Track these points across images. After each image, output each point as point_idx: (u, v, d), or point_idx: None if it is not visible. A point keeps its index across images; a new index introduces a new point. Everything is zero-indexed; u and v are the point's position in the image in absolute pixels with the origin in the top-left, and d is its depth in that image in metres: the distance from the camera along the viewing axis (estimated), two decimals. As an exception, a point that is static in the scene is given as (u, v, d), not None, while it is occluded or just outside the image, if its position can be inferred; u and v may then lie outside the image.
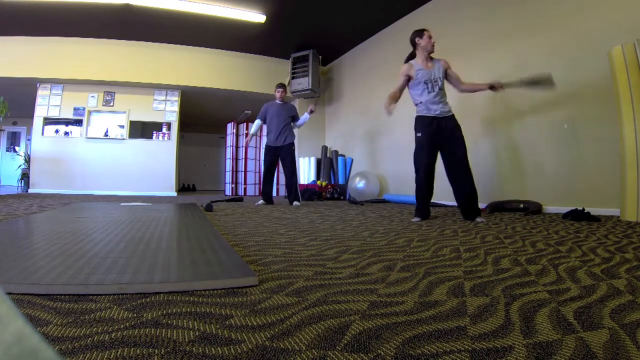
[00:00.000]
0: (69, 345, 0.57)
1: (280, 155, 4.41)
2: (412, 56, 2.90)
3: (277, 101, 4.49)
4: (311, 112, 4.35)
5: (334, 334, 0.64)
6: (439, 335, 0.64)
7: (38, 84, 6.36)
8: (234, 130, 8.17)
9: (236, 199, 5.20)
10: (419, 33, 2.81)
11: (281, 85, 4.52)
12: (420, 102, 2.80)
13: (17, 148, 10.16)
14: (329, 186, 6.19)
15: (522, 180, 3.73)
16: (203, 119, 10.13)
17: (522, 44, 3.76)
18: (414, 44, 2.85)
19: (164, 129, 6.79)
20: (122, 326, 0.65)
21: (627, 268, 1.18)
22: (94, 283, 0.86)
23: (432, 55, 2.83)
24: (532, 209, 3.31)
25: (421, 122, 2.80)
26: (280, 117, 4.38)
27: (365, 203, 4.86)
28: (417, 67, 2.80)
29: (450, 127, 2.75)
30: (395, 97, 2.81)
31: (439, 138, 2.75)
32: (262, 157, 5.00)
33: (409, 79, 2.83)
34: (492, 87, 2.80)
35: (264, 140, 7.18)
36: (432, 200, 2.93)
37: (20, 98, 6.94)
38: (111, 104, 6.64)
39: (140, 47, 6.53)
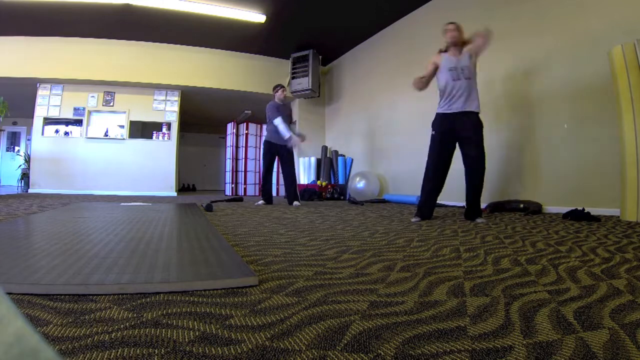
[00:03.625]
0: (69, 345, 0.57)
1: (280, 154, 4.43)
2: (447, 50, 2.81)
3: (277, 101, 4.52)
4: (300, 138, 4.47)
5: (334, 334, 0.64)
6: (439, 335, 0.64)
7: (38, 84, 6.36)
8: (234, 130, 8.16)
9: (236, 199, 5.20)
10: (444, 30, 2.76)
11: (281, 86, 4.57)
12: (443, 93, 2.73)
13: (17, 148, 10.16)
14: (329, 186, 6.19)
15: (522, 180, 3.73)
16: (203, 119, 10.12)
17: (522, 44, 3.76)
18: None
19: (164, 129, 6.79)
20: (122, 326, 0.65)
21: (627, 268, 1.18)
22: (94, 283, 0.86)
23: (466, 46, 2.73)
24: (532, 209, 3.31)
25: (438, 120, 2.76)
26: (285, 118, 4.43)
27: (365, 203, 4.86)
28: (445, 56, 2.74)
29: (470, 124, 2.66)
30: (420, 85, 2.75)
31: (453, 137, 2.70)
32: (262, 157, 5.00)
33: (436, 67, 2.76)
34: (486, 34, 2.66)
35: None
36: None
37: (20, 98, 6.94)
38: (111, 104, 6.64)
39: (140, 47, 6.53)
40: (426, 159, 2.82)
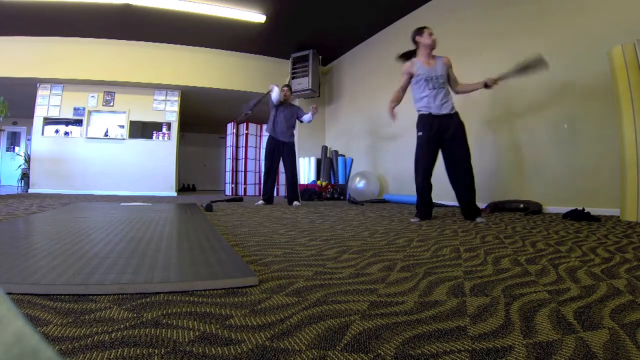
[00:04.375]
0: (69, 345, 0.57)
1: (283, 152, 4.44)
2: (409, 55, 2.92)
3: (282, 100, 4.56)
4: (315, 110, 4.48)
5: (334, 334, 0.64)
6: (439, 335, 0.64)
7: (38, 84, 6.36)
8: (234, 130, 8.16)
9: (236, 199, 5.20)
10: (419, 31, 2.82)
11: (286, 85, 4.66)
12: (421, 100, 2.79)
13: (16, 148, 10.16)
14: (329, 186, 6.19)
15: (522, 180, 3.73)
16: (203, 119, 10.12)
17: (522, 44, 3.76)
18: (415, 42, 2.85)
19: (164, 129, 6.79)
20: (122, 326, 0.65)
21: (627, 268, 1.18)
22: (94, 283, 0.86)
23: (435, 52, 2.84)
24: (532, 209, 3.31)
25: (422, 121, 2.79)
26: (287, 117, 4.48)
27: (365, 203, 4.86)
28: (418, 64, 2.81)
29: (453, 125, 2.72)
30: (398, 98, 2.94)
31: (439, 137, 2.73)
32: (263, 156, 5.01)
33: (411, 76, 2.84)
34: (486, 85, 2.80)
35: (264, 141, 7.10)
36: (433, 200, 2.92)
37: (20, 98, 6.94)
38: (111, 104, 6.64)
39: (140, 47, 6.53)
40: None
